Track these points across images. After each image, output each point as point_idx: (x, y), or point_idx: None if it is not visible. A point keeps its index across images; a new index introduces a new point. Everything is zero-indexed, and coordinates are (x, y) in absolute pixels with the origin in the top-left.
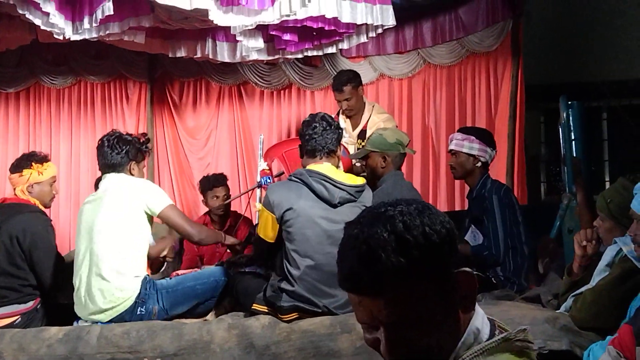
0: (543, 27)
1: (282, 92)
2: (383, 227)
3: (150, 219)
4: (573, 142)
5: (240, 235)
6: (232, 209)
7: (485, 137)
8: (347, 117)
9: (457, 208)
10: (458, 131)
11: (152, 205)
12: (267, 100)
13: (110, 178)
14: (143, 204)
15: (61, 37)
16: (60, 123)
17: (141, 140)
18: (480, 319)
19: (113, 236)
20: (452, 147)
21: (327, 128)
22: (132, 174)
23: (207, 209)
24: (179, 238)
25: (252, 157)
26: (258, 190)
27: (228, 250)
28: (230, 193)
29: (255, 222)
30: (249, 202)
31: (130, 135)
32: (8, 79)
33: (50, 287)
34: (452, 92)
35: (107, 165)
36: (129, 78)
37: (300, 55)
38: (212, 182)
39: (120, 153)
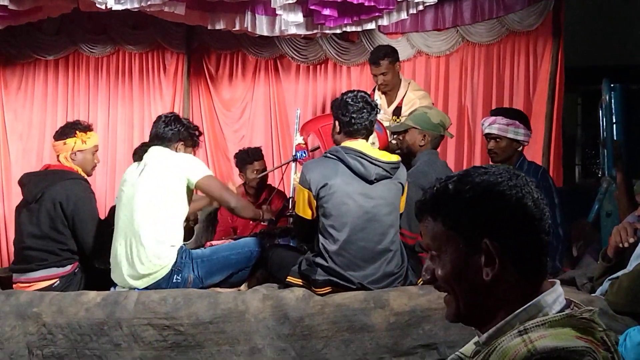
0: (582, 8)
1: (318, 67)
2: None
3: (190, 192)
4: (614, 125)
5: (274, 208)
6: (267, 182)
7: (526, 121)
8: (383, 92)
9: None
10: (496, 114)
11: (190, 175)
12: (303, 75)
13: (155, 150)
14: (182, 175)
15: (103, 7)
16: (98, 92)
17: (194, 127)
18: (552, 296)
19: (153, 205)
20: (493, 131)
21: (364, 107)
22: (176, 152)
23: (241, 181)
24: (212, 209)
25: (286, 131)
26: (293, 164)
27: (262, 222)
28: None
29: (289, 195)
30: (283, 175)
31: (188, 120)
32: (48, 47)
33: (91, 252)
34: (490, 72)
35: (157, 136)
36: (166, 49)
37: (338, 31)
38: (253, 156)
39: (173, 130)
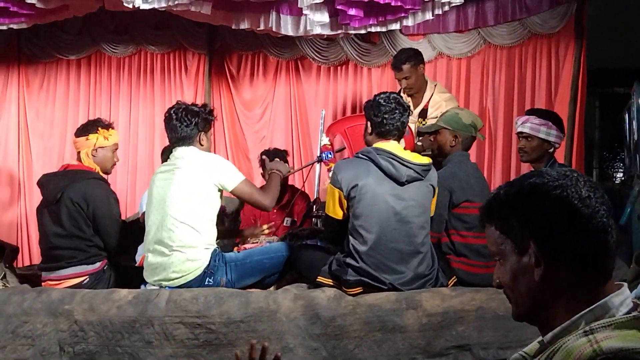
0: (600, 12)
1: (339, 68)
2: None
3: (221, 192)
4: None
5: (297, 209)
6: (289, 182)
7: (560, 123)
8: (408, 95)
9: None
10: (531, 114)
11: (225, 182)
12: (324, 76)
13: (182, 151)
14: (216, 180)
15: (130, 6)
16: (120, 91)
17: (207, 110)
18: (619, 298)
19: (186, 208)
20: (525, 130)
21: (396, 108)
22: (201, 145)
23: (263, 181)
24: (235, 209)
25: (307, 132)
26: (318, 165)
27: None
28: None
29: (313, 196)
30: (307, 176)
31: (196, 105)
32: (70, 46)
33: (113, 252)
34: (511, 74)
35: (178, 138)
36: (188, 49)
37: (363, 31)
38: (279, 156)
39: (190, 125)
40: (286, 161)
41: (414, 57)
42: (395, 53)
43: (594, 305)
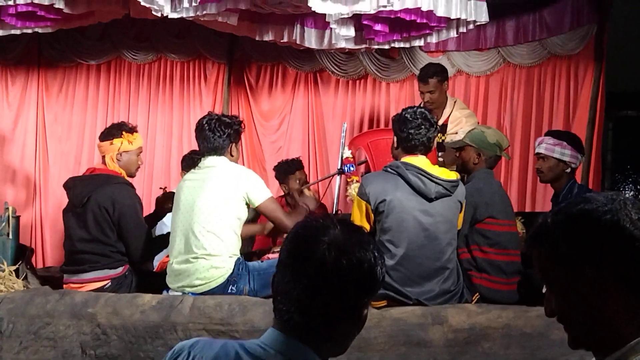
0: (617, 35)
1: (357, 82)
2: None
3: (247, 204)
4: None
5: None
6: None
7: (577, 143)
8: (428, 110)
9: (527, 209)
10: (548, 135)
11: (252, 197)
12: (342, 89)
13: (213, 160)
14: (244, 193)
15: (159, 15)
16: (139, 98)
17: (238, 122)
18: None
19: (213, 217)
20: (541, 150)
21: (423, 123)
22: (232, 155)
23: (280, 193)
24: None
25: (324, 144)
26: (338, 177)
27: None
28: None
29: (332, 208)
30: (327, 188)
31: (228, 116)
32: (91, 52)
33: (137, 257)
34: (530, 93)
35: (210, 148)
36: (208, 58)
37: (387, 47)
38: (295, 166)
39: (222, 136)
40: (301, 167)
41: (441, 73)
42: (422, 67)
43: None
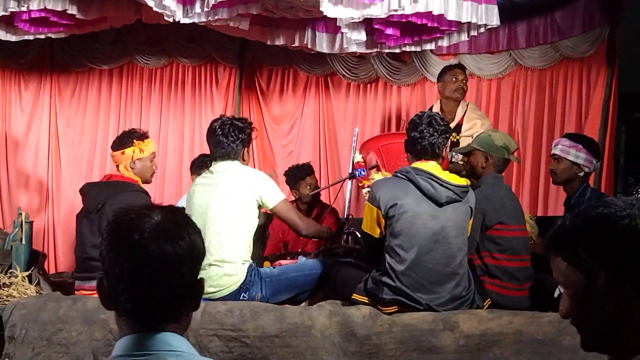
0: (629, 37)
1: (368, 85)
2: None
3: (259, 209)
4: None
5: (326, 225)
6: (319, 198)
7: (593, 147)
8: (454, 101)
9: (540, 213)
10: (565, 137)
11: (267, 199)
12: (353, 93)
13: (225, 165)
14: (257, 196)
15: (171, 20)
16: (151, 102)
17: (250, 126)
18: None
19: (226, 222)
20: (556, 152)
21: (436, 129)
22: (243, 160)
23: (293, 198)
24: (263, 222)
25: (335, 148)
26: (349, 182)
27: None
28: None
29: (343, 212)
30: (338, 192)
31: (240, 120)
32: (103, 56)
33: None
34: (542, 96)
35: (224, 153)
36: (219, 62)
37: (398, 50)
38: (305, 171)
39: (236, 142)
40: (311, 173)
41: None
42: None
43: None
